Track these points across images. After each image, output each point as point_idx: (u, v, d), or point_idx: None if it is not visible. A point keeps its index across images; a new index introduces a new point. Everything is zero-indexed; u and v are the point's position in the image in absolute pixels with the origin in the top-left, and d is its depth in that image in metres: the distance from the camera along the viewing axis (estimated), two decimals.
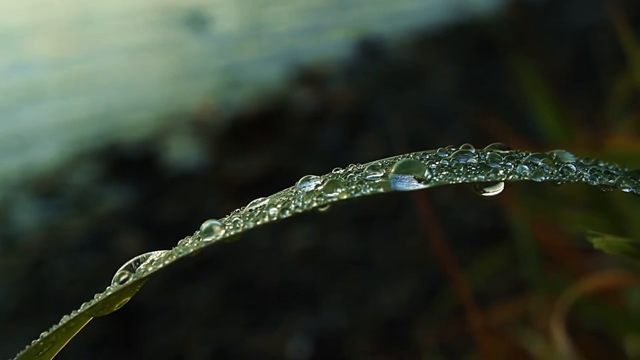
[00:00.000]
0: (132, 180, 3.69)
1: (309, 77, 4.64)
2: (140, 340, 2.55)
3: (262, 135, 3.95)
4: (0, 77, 5.10)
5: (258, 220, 0.32)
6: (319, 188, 0.34)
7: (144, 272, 0.32)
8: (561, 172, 0.37)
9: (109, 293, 0.32)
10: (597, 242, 0.44)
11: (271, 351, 2.45)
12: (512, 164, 0.37)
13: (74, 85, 4.87)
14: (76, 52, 5.42)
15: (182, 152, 3.96)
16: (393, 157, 0.36)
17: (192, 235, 0.34)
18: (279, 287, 2.76)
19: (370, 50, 5.01)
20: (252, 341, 2.50)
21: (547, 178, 0.37)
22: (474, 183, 0.36)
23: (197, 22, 5.65)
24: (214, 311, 2.67)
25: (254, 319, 2.61)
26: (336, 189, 0.34)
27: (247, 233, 0.32)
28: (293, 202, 0.33)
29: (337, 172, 0.36)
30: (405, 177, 0.34)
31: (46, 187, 3.70)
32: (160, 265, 0.31)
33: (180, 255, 0.31)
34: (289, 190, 0.35)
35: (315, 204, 0.33)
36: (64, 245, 3.19)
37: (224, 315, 2.65)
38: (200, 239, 0.32)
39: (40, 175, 3.80)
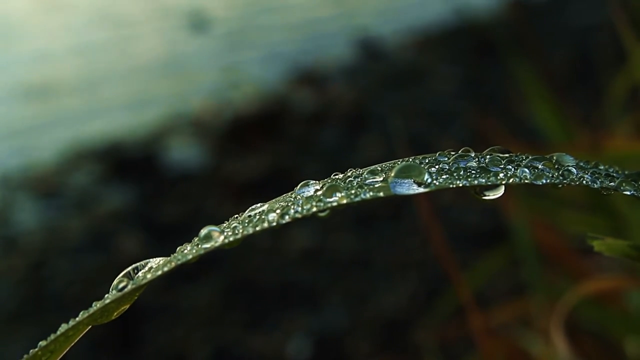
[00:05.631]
0: (132, 181, 3.69)
1: (309, 77, 4.63)
2: (140, 340, 2.55)
3: (262, 136, 3.95)
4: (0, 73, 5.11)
5: (257, 226, 0.32)
6: (319, 193, 0.34)
7: (142, 279, 0.32)
8: (562, 175, 0.37)
9: (108, 301, 0.32)
10: (597, 245, 0.44)
11: (271, 351, 2.45)
12: (512, 167, 0.37)
13: (72, 82, 4.87)
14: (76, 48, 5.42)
15: (182, 152, 3.96)
16: (392, 162, 0.36)
17: (190, 239, 0.34)
18: (280, 287, 2.76)
19: (370, 51, 5.00)
20: (252, 341, 2.50)
21: (548, 181, 0.36)
22: (474, 187, 0.35)
23: (197, 22, 5.64)
24: (214, 311, 2.67)
25: (254, 319, 2.61)
26: (335, 194, 0.33)
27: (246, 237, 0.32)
28: (292, 207, 0.33)
29: (337, 176, 0.36)
30: (405, 181, 0.34)
31: (46, 187, 3.70)
32: (159, 273, 0.31)
33: (179, 262, 0.31)
34: (288, 196, 0.35)
35: (314, 209, 0.32)
36: (64, 245, 3.19)
37: (224, 315, 2.65)
38: (199, 245, 0.32)
39: (41, 175, 3.80)
